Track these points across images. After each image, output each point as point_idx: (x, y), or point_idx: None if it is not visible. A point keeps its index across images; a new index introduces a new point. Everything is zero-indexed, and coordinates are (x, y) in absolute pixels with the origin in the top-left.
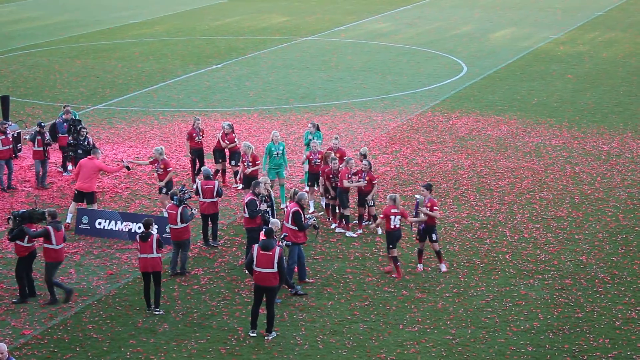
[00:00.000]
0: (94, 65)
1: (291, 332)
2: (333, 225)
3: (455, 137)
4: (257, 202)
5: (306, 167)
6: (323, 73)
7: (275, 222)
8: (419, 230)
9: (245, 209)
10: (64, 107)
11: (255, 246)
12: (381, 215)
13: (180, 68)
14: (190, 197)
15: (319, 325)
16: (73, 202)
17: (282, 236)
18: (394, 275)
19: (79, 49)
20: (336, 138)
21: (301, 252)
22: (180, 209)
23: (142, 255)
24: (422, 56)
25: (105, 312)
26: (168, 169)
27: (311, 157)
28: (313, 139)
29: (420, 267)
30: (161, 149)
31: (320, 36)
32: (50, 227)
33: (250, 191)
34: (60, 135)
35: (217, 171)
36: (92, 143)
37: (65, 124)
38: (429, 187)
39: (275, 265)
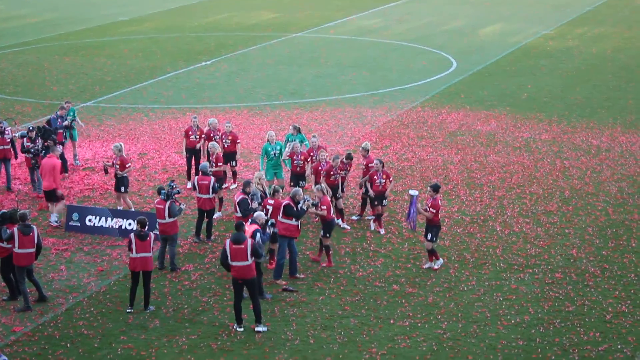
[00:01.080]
0: (83, 62)
1: (282, 327)
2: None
3: (445, 132)
4: (249, 200)
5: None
6: (312, 69)
7: (259, 215)
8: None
9: (237, 208)
10: (65, 103)
11: (227, 241)
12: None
13: (170, 65)
14: (179, 192)
15: (310, 320)
16: (49, 204)
17: (270, 223)
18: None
19: (68, 47)
20: (314, 136)
21: (293, 247)
22: (168, 203)
23: (139, 255)
24: (412, 52)
25: (96, 309)
26: (126, 165)
27: (294, 158)
28: (291, 140)
29: (428, 264)
30: (120, 145)
31: (310, 32)
32: (15, 230)
33: (241, 190)
34: (56, 130)
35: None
36: (45, 145)
37: (59, 120)
38: (435, 188)
39: (249, 257)
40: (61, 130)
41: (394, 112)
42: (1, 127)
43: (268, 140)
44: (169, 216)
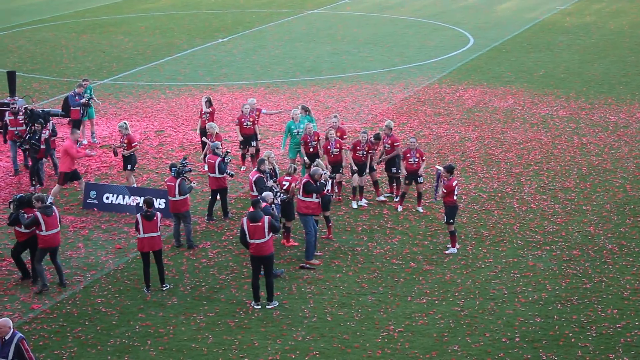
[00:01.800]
0: (100, 39)
1: (299, 304)
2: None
3: (462, 109)
4: (265, 179)
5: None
6: (329, 46)
7: (267, 195)
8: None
9: (254, 187)
10: (83, 81)
11: (244, 219)
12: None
13: (187, 42)
14: (190, 171)
15: (327, 297)
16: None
17: (329, 175)
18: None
19: (85, 24)
20: (335, 116)
21: (315, 226)
22: (178, 181)
23: (147, 235)
24: (429, 28)
25: (114, 286)
26: (133, 144)
27: (307, 140)
28: (293, 129)
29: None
30: (125, 124)
31: (326, 9)
32: (38, 214)
33: (256, 169)
34: (72, 108)
35: (244, 156)
36: (45, 139)
37: (77, 97)
38: (448, 169)
39: (267, 233)
40: (78, 108)
41: (411, 88)
42: (15, 107)
43: (292, 118)
44: (179, 194)
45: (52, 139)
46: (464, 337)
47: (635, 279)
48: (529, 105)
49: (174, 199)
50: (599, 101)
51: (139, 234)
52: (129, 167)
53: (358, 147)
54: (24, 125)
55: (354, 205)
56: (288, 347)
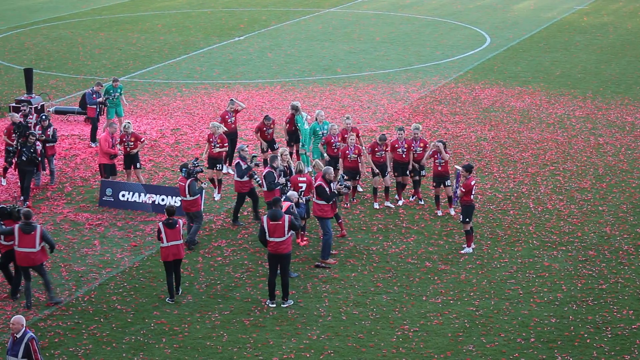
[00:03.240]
0: (116, 37)
1: (314, 303)
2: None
3: (478, 108)
4: (275, 175)
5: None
6: (345, 45)
7: (292, 194)
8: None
9: (263, 182)
10: (113, 82)
11: (264, 217)
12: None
13: (203, 40)
14: (201, 171)
15: (343, 296)
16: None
17: (306, 198)
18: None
19: (102, 22)
20: (348, 117)
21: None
22: (188, 181)
23: (170, 243)
24: (445, 27)
25: (129, 284)
26: (140, 140)
27: (332, 140)
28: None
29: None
30: (127, 124)
31: (343, 8)
32: (16, 227)
33: (269, 165)
34: (88, 106)
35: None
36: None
37: (94, 96)
38: (468, 169)
39: (287, 232)
40: (94, 106)
41: (427, 88)
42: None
43: (316, 119)
44: (189, 194)
45: (49, 145)
46: (479, 337)
47: None
48: (546, 105)
49: (185, 198)
50: (616, 101)
51: (162, 242)
52: (137, 165)
53: (376, 149)
54: (16, 138)
55: (376, 206)
56: (303, 346)
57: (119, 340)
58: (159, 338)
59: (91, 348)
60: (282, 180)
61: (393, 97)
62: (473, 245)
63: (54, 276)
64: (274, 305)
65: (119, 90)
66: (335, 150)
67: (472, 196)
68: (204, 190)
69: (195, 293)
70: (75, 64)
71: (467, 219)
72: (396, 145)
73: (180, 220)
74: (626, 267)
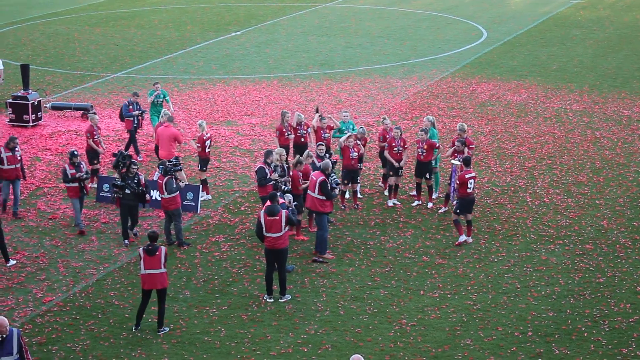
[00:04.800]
0: (113, 33)
1: (312, 298)
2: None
3: (475, 102)
4: (267, 170)
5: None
6: (342, 39)
7: (288, 197)
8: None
9: (255, 177)
10: (154, 85)
11: (262, 212)
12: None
13: (200, 35)
14: (180, 170)
15: (340, 291)
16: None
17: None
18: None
19: (99, 17)
20: (346, 112)
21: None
22: (165, 179)
23: (148, 271)
24: (442, 22)
25: (127, 279)
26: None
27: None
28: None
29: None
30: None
31: (339, 3)
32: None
33: (263, 160)
34: (125, 118)
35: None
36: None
37: (130, 107)
38: (466, 161)
39: (284, 228)
40: (131, 119)
41: (424, 82)
42: (13, 144)
43: (341, 120)
44: (166, 192)
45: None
46: (476, 331)
47: None
48: (542, 99)
49: (163, 196)
50: (613, 95)
51: (141, 269)
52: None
53: (394, 144)
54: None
55: (390, 204)
56: (300, 341)
57: (116, 335)
58: (156, 333)
59: (89, 344)
60: (275, 176)
61: (390, 92)
62: (467, 239)
63: (52, 272)
64: (272, 300)
65: (161, 97)
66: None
67: (468, 189)
68: (199, 189)
69: (193, 288)
70: (71, 59)
71: (458, 210)
72: (393, 144)
73: (162, 247)
74: (623, 261)
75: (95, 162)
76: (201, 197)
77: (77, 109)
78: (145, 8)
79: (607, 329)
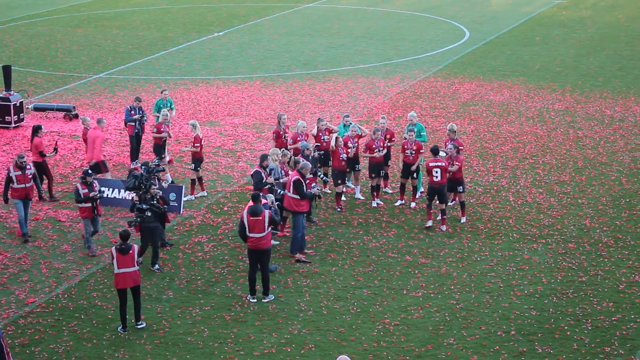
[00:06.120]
0: (95, 34)
1: (295, 298)
2: (398, 202)
3: (457, 102)
4: (264, 174)
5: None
6: (325, 40)
7: (269, 197)
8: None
9: (251, 181)
10: (162, 92)
11: (244, 213)
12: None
13: (182, 36)
14: (163, 170)
15: (323, 291)
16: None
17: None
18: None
19: (80, 18)
20: (383, 118)
21: (302, 223)
22: None
23: (121, 270)
24: (424, 22)
25: (110, 280)
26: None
27: (350, 142)
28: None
29: (429, 223)
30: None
31: (322, 3)
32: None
33: (259, 163)
34: (128, 123)
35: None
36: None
37: (132, 112)
38: (433, 151)
39: (267, 228)
40: (133, 123)
41: (406, 82)
42: (22, 162)
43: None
44: None
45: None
46: (459, 331)
47: (630, 272)
48: (525, 99)
49: None
50: (595, 95)
51: (115, 269)
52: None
53: (406, 147)
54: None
55: (373, 204)
56: (284, 341)
57: (99, 336)
58: (139, 334)
59: (72, 345)
60: (271, 179)
61: (372, 92)
62: (444, 227)
63: (34, 273)
64: (255, 300)
65: (168, 104)
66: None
67: (434, 178)
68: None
69: (176, 289)
70: (53, 60)
71: (428, 196)
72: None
73: (135, 246)
74: (606, 260)
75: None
76: (196, 195)
77: (59, 110)
78: (128, 9)
79: (589, 328)
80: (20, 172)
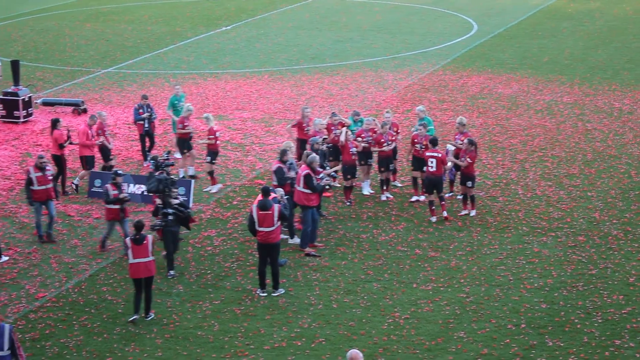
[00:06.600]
0: (103, 28)
1: (305, 292)
2: (414, 198)
3: (466, 95)
4: (285, 169)
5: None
6: (333, 33)
7: (280, 192)
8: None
9: (274, 177)
10: (175, 87)
11: (254, 207)
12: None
13: (190, 30)
14: (172, 165)
15: (333, 285)
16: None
17: (321, 176)
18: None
19: (89, 13)
20: (388, 112)
21: (314, 215)
22: (156, 174)
23: (136, 260)
24: (432, 15)
25: (120, 274)
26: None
27: (363, 135)
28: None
29: (433, 219)
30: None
31: None
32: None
33: (278, 159)
34: (136, 122)
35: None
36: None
37: (140, 110)
38: (432, 142)
39: (276, 222)
40: (142, 122)
41: (415, 75)
42: (42, 163)
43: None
44: None
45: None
46: (469, 324)
47: None
48: (533, 92)
49: None
50: (604, 87)
51: (129, 259)
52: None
53: (416, 140)
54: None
55: (383, 198)
56: (294, 335)
57: (110, 331)
58: (149, 328)
59: (82, 339)
60: (292, 174)
61: (381, 85)
62: (445, 214)
63: (44, 268)
64: (265, 294)
65: (182, 99)
66: (369, 144)
67: (429, 168)
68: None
69: (186, 283)
70: (62, 55)
71: (425, 190)
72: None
73: (149, 236)
74: (615, 252)
75: (111, 158)
76: (211, 189)
77: (67, 104)
78: (136, 3)
79: (600, 321)
80: (40, 174)
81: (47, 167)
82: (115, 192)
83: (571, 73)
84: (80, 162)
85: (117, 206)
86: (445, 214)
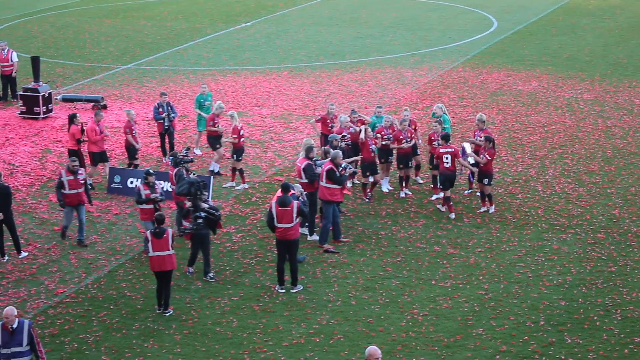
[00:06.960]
0: (123, 24)
1: (324, 288)
2: (434, 197)
3: (486, 92)
4: (313, 166)
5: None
6: (352, 30)
7: (297, 187)
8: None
9: (303, 175)
10: (202, 85)
11: (273, 203)
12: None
13: (210, 26)
14: (192, 161)
15: (352, 281)
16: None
17: (344, 166)
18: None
19: (108, 9)
20: (406, 110)
21: (335, 211)
22: (175, 170)
23: (156, 253)
24: (452, 11)
25: (139, 270)
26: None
27: (383, 133)
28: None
29: (452, 215)
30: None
31: None
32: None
33: (304, 156)
34: (156, 121)
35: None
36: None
37: (160, 109)
38: (445, 138)
39: (295, 218)
40: (161, 121)
41: (434, 72)
42: (75, 167)
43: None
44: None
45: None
46: (488, 321)
47: None
48: (553, 89)
49: (174, 187)
50: (624, 84)
51: (148, 252)
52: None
53: (433, 138)
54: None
55: (402, 194)
56: (312, 331)
57: (128, 326)
58: (168, 324)
59: (101, 335)
60: (318, 170)
61: (400, 82)
62: (453, 215)
63: (64, 264)
64: (283, 291)
65: (209, 97)
66: (389, 142)
67: (445, 164)
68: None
69: (204, 279)
70: (81, 51)
71: (441, 187)
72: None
73: (169, 229)
74: (635, 250)
75: (137, 157)
76: (237, 187)
77: (87, 100)
78: (155, 0)
79: (619, 318)
80: (72, 177)
81: (80, 171)
82: (147, 192)
83: (591, 70)
84: (89, 158)
85: (149, 206)
86: (443, 208)
